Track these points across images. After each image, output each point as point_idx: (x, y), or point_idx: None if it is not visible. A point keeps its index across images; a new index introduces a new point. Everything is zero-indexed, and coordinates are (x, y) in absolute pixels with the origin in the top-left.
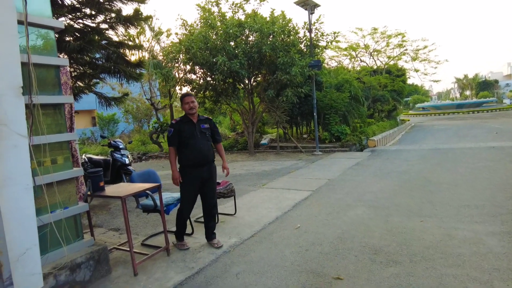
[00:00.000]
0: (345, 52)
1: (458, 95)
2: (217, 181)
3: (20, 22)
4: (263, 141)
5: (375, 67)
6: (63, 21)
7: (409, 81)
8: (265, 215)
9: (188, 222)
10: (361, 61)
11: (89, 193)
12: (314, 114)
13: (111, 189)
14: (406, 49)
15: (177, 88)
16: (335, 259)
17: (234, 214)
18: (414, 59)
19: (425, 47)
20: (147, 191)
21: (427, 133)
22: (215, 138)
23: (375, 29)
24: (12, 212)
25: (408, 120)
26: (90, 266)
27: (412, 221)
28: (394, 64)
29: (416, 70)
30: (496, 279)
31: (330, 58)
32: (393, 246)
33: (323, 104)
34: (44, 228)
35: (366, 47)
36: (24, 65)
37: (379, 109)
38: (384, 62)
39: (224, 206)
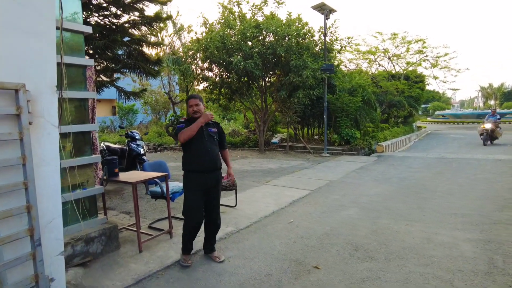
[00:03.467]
0: (365, 55)
1: (481, 104)
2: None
3: (56, 27)
4: (274, 140)
5: (393, 72)
6: (91, 21)
7: (428, 88)
8: (263, 209)
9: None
10: (380, 65)
11: (105, 177)
12: (324, 116)
13: (124, 176)
14: (426, 56)
15: (195, 84)
16: (318, 251)
17: (235, 206)
18: (434, 66)
19: (446, 54)
20: (156, 179)
21: (440, 141)
22: (222, 144)
23: (395, 34)
24: (44, 188)
25: (425, 127)
26: (102, 241)
27: (398, 224)
28: (413, 70)
29: (436, 78)
30: (457, 279)
31: (349, 61)
32: (373, 244)
33: (335, 107)
34: (66, 205)
35: (386, 51)
36: (57, 64)
37: (395, 115)
38: (402, 68)
39: (227, 198)
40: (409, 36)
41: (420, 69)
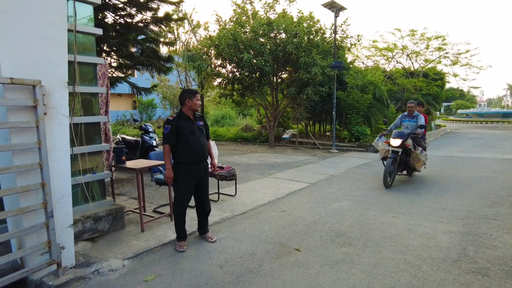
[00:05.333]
0: (382, 52)
1: (510, 102)
2: (221, 165)
3: (70, 30)
4: (285, 136)
5: (412, 69)
6: (108, 21)
7: (450, 86)
8: (260, 199)
9: None
10: (398, 62)
11: (113, 164)
12: (333, 113)
13: (130, 163)
14: (446, 53)
15: (210, 79)
16: (302, 236)
17: (234, 195)
18: (454, 63)
19: (467, 51)
20: (159, 167)
21: (455, 140)
22: (206, 136)
23: (413, 31)
24: (56, 169)
25: (444, 126)
26: (109, 220)
27: (386, 216)
28: (433, 67)
29: (456, 75)
30: (425, 265)
31: (367, 57)
32: (356, 233)
33: (346, 104)
34: (77, 187)
35: (404, 48)
36: (70, 62)
37: None
38: (421, 65)
39: (228, 188)
40: (429, 32)
41: (439, 67)
